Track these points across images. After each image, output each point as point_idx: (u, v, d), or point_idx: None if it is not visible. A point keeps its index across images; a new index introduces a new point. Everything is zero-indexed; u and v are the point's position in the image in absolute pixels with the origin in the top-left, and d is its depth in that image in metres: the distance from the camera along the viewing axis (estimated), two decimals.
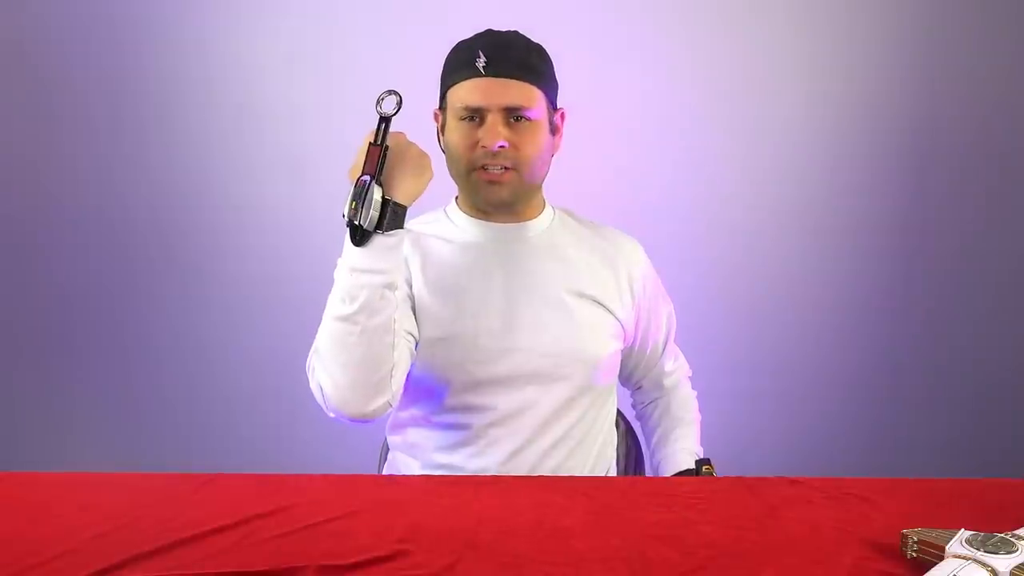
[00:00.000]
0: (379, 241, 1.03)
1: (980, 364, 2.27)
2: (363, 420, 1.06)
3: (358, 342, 1.02)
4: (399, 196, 1.04)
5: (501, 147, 1.12)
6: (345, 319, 1.03)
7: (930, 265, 2.23)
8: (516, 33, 1.21)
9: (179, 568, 0.74)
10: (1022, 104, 2.19)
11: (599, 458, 1.26)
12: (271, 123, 2.16)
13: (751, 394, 2.23)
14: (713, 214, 2.18)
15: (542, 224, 1.25)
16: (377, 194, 1.01)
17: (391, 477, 1.25)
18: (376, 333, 1.03)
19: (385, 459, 1.39)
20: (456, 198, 1.27)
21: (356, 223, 1.01)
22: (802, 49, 2.15)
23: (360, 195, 1.00)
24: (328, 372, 1.04)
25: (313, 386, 1.07)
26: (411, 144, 1.08)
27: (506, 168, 1.15)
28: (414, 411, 1.21)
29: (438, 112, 1.24)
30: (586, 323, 1.20)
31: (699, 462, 1.24)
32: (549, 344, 1.17)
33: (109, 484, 0.97)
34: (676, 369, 1.38)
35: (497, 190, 1.16)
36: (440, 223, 1.26)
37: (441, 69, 1.22)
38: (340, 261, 1.06)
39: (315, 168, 2.16)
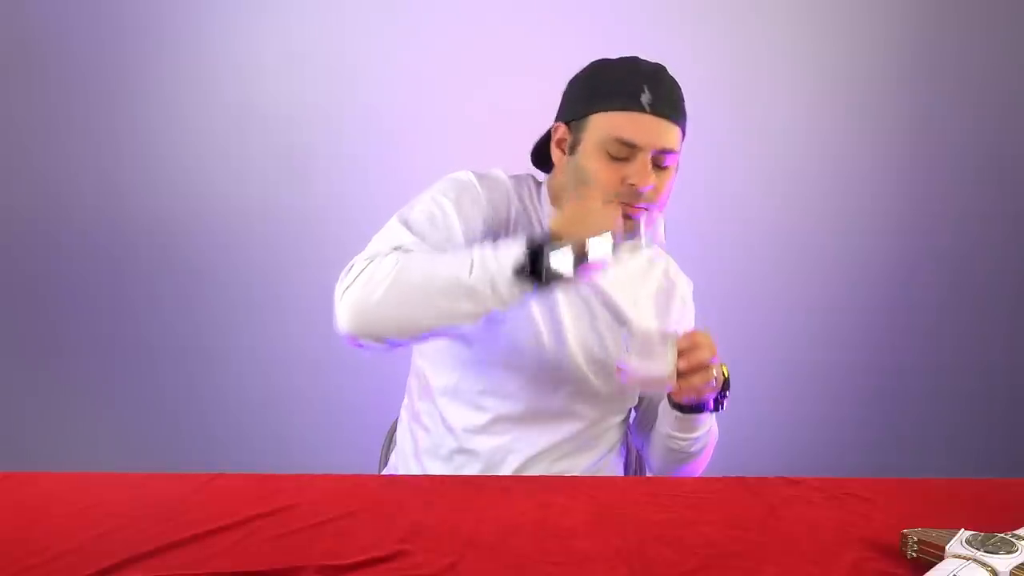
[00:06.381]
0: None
1: (980, 364, 2.27)
2: (352, 339, 1.03)
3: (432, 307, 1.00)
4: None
5: (649, 189, 1.12)
6: (455, 295, 0.99)
7: (931, 265, 2.23)
8: (664, 68, 1.19)
9: (179, 568, 0.73)
10: (1022, 104, 2.20)
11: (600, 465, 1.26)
12: (271, 123, 2.16)
13: (751, 394, 2.22)
14: (713, 214, 2.18)
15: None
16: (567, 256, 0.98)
17: (391, 477, 1.25)
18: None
19: (386, 460, 1.39)
20: (540, 185, 1.26)
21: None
22: (804, 49, 2.16)
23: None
24: (388, 294, 0.99)
25: (351, 285, 1.02)
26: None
27: (642, 207, 1.14)
28: (449, 379, 1.20)
29: (564, 126, 1.19)
30: (617, 348, 1.20)
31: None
32: (590, 360, 1.19)
33: (109, 484, 0.97)
34: None
35: (632, 225, 1.15)
36: (533, 210, 1.24)
37: (581, 86, 1.20)
38: (498, 267, 0.99)
39: (315, 167, 2.16)
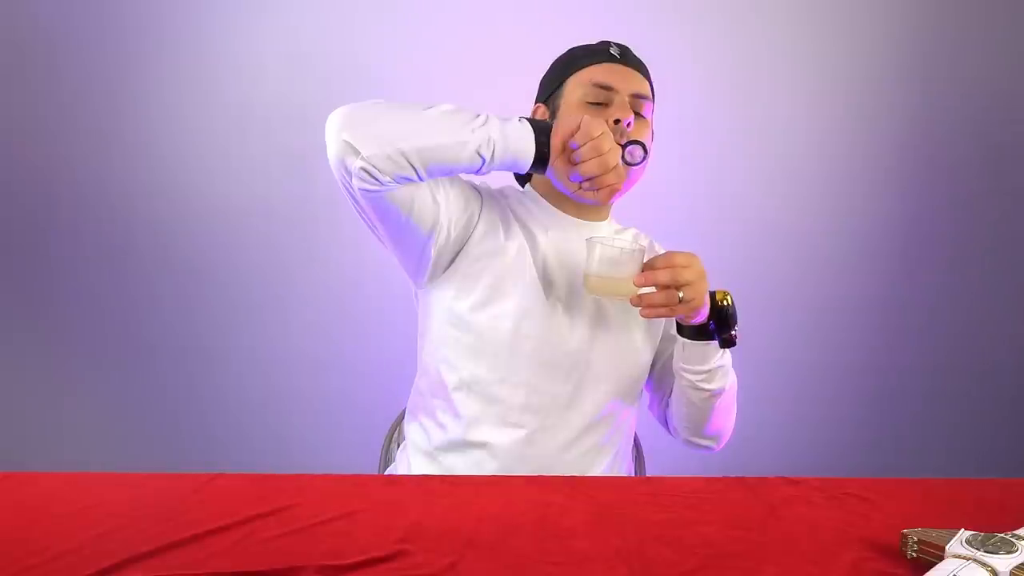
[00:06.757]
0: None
1: (980, 364, 2.27)
2: (340, 160, 1.09)
3: (421, 132, 1.04)
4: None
5: (629, 124, 1.16)
6: (444, 113, 1.05)
7: (930, 265, 2.24)
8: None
9: (179, 568, 0.73)
10: (1021, 107, 2.20)
11: (613, 468, 1.26)
12: (271, 123, 2.16)
13: (751, 394, 2.22)
14: (713, 214, 2.19)
15: (602, 230, 1.27)
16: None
17: (391, 477, 1.25)
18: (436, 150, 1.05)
19: (386, 460, 1.39)
20: (529, 184, 1.30)
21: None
22: (804, 49, 2.16)
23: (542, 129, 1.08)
24: (373, 118, 1.05)
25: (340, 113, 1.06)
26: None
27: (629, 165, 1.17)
28: (462, 375, 1.20)
29: (542, 105, 1.26)
30: (624, 333, 1.22)
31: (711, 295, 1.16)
32: (598, 348, 1.20)
33: (109, 484, 0.97)
34: None
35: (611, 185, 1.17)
36: (523, 209, 1.26)
37: (552, 67, 1.28)
38: (491, 121, 1.06)
39: (316, 167, 2.16)
